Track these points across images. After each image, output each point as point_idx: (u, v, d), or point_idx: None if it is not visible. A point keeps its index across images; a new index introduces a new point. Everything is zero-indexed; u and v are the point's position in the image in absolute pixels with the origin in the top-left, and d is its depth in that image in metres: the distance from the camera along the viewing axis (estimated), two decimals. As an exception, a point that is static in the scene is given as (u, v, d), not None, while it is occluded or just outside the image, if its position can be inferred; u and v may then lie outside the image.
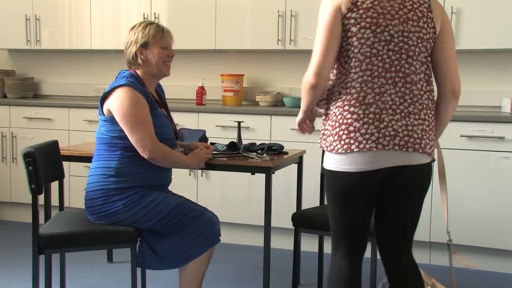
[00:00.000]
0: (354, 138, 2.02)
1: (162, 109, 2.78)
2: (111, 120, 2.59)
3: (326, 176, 2.13)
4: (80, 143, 3.78)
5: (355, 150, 2.01)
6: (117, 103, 2.55)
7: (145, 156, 2.54)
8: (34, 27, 4.98)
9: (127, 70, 2.74)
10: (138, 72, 2.72)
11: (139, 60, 2.69)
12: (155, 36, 2.70)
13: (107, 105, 2.60)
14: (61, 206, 3.02)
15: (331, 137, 2.07)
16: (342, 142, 2.03)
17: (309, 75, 2.06)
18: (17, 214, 4.90)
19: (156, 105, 2.69)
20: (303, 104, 2.18)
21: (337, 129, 2.05)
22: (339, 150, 2.04)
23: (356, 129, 2.01)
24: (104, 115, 2.63)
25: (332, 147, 2.07)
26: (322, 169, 2.21)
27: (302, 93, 2.14)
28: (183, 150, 2.83)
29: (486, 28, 3.92)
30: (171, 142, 2.75)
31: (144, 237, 2.64)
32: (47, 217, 2.92)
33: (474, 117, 3.75)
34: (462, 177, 3.77)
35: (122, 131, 2.57)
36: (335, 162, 2.07)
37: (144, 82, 2.70)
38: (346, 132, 2.03)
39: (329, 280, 2.19)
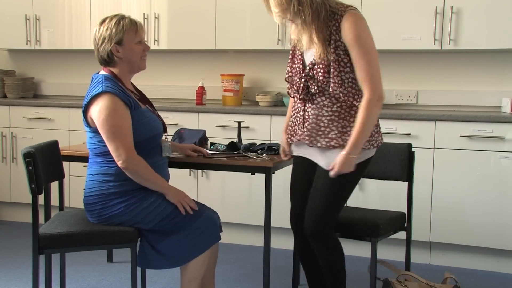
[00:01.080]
0: (380, 133, 2.58)
1: (146, 105, 2.73)
2: (98, 130, 2.55)
3: (362, 165, 2.51)
4: (80, 143, 3.78)
5: (383, 142, 2.61)
6: (95, 113, 2.51)
7: (120, 166, 2.51)
8: (34, 27, 4.98)
9: (98, 73, 2.67)
10: (114, 70, 2.65)
11: (115, 58, 2.62)
12: (130, 32, 2.63)
13: (89, 115, 2.56)
14: (61, 206, 3.02)
15: (373, 137, 2.51)
16: (380, 138, 2.56)
17: (381, 94, 2.40)
18: (17, 214, 4.90)
19: (138, 103, 2.64)
20: (369, 129, 2.43)
21: (377, 128, 2.55)
22: (379, 144, 2.56)
23: (380, 126, 2.59)
24: (90, 126, 2.59)
25: (375, 143, 2.52)
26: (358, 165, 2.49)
27: (372, 118, 2.40)
28: (169, 146, 2.78)
29: (486, 28, 3.92)
30: (161, 135, 2.74)
31: (145, 237, 2.63)
32: (47, 217, 2.92)
33: (474, 117, 3.75)
34: (462, 177, 3.77)
35: None
36: (369, 154, 2.54)
37: (121, 80, 2.64)
38: (379, 130, 2.57)
39: (341, 260, 2.61)
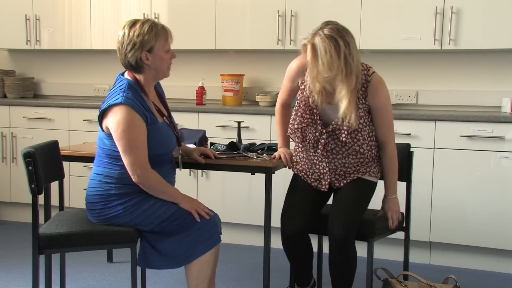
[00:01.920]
0: None
1: (164, 118, 2.68)
2: (111, 136, 2.53)
3: (374, 187, 2.82)
4: (80, 143, 3.78)
5: None
6: (113, 124, 2.49)
7: (134, 181, 2.51)
8: (34, 27, 4.99)
9: (123, 75, 2.64)
10: (139, 77, 2.60)
11: (144, 65, 2.57)
12: (161, 40, 2.57)
13: (105, 123, 2.53)
14: (61, 206, 3.02)
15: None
16: None
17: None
18: (17, 214, 4.90)
19: (155, 119, 2.59)
20: (397, 169, 2.81)
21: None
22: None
23: None
24: (104, 131, 2.57)
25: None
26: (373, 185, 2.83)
27: (397, 160, 2.79)
28: (180, 156, 2.77)
29: (486, 28, 3.92)
30: (173, 150, 2.73)
31: (145, 237, 2.62)
32: (47, 217, 2.92)
33: (474, 117, 3.75)
34: (462, 177, 3.77)
35: None
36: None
37: (144, 87, 2.61)
38: None
39: (355, 268, 2.71)
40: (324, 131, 2.67)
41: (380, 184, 2.85)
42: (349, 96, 2.53)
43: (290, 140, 2.92)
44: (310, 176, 2.83)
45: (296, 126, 2.72)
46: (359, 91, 2.62)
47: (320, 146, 2.69)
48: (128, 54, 2.56)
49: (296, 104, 2.76)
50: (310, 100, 2.67)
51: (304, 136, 2.72)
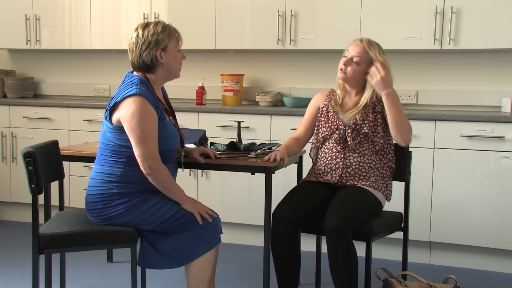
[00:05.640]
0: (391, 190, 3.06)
1: (170, 117, 2.71)
2: (120, 129, 2.53)
3: (377, 205, 2.91)
4: (80, 143, 3.78)
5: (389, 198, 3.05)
6: (127, 115, 2.48)
7: (144, 172, 2.51)
8: (34, 27, 4.99)
9: (133, 73, 2.65)
10: (149, 76, 2.62)
11: (158, 64, 2.60)
12: (174, 39, 2.63)
13: (117, 115, 2.52)
14: (61, 206, 3.02)
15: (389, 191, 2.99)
16: (390, 194, 3.02)
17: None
18: (17, 214, 4.90)
19: (164, 114, 2.62)
20: (404, 117, 2.95)
21: (390, 181, 3.03)
22: (388, 198, 3.00)
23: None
24: (112, 123, 2.56)
25: (389, 196, 3.00)
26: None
27: (407, 122, 2.93)
28: (182, 156, 2.79)
29: (486, 28, 3.92)
30: (176, 150, 2.75)
31: (146, 237, 2.63)
32: (47, 217, 2.92)
33: (474, 117, 3.75)
34: (462, 177, 3.77)
35: (129, 140, 2.52)
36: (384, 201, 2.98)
37: (153, 87, 2.63)
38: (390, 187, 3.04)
39: (357, 267, 2.70)
40: (347, 127, 2.91)
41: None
42: (370, 91, 2.96)
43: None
44: (322, 171, 2.94)
45: (323, 134, 2.98)
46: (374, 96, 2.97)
47: (343, 142, 2.92)
48: (143, 53, 2.59)
49: (316, 123, 3.05)
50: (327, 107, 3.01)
51: (328, 140, 2.97)
